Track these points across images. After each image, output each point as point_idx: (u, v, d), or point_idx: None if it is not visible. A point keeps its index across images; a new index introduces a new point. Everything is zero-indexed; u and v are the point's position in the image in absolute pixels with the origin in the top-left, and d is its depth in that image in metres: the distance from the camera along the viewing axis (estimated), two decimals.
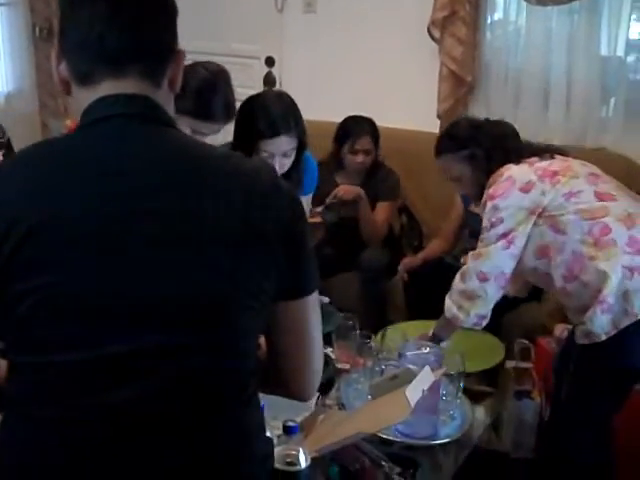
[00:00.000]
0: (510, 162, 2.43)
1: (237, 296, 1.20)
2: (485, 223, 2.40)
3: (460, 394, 2.27)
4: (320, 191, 3.11)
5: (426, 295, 3.44)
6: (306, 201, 2.85)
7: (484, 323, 2.48)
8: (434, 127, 4.17)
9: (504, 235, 2.34)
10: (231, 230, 1.19)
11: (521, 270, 2.45)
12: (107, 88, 1.21)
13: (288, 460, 1.56)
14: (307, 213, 3.52)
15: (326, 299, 2.75)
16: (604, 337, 2.22)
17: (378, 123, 4.14)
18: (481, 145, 2.53)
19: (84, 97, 1.23)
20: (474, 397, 2.41)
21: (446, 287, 3.41)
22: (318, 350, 1.36)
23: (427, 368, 1.98)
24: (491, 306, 2.43)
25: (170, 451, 1.20)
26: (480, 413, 2.37)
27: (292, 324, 1.31)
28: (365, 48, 4.36)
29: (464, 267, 2.49)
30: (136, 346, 1.17)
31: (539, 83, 4.00)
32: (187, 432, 1.21)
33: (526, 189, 2.34)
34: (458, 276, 2.48)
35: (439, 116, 4.15)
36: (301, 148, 2.59)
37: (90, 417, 1.18)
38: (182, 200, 1.18)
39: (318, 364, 1.38)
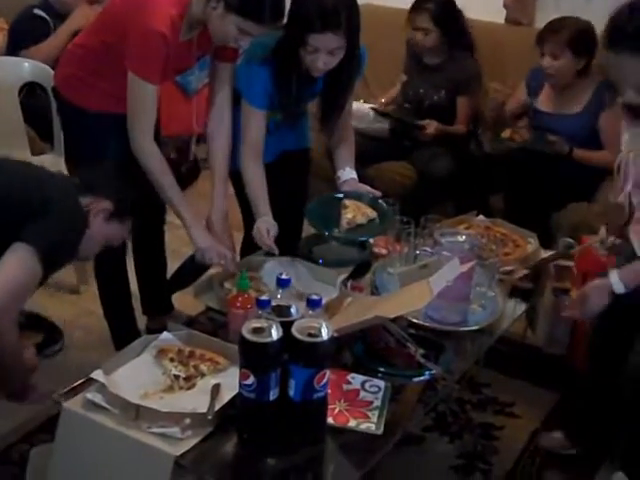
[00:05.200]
0: None
1: None
2: None
3: (493, 284, 2.27)
4: None
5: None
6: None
7: None
8: (499, 17, 4.05)
9: None
10: None
11: None
12: None
13: (310, 332, 1.61)
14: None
15: (378, 193, 2.68)
16: None
17: None
18: None
19: None
20: (512, 292, 2.39)
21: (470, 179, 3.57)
22: None
23: (455, 260, 1.97)
24: None
25: None
26: (514, 306, 2.37)
27: None
28: None
29: None
30: None
31: None
32: None
33: None
34: None
35: (505, 5, 4.01)
36: (352, 50, 2.43)
37: None
38: None
39: None
